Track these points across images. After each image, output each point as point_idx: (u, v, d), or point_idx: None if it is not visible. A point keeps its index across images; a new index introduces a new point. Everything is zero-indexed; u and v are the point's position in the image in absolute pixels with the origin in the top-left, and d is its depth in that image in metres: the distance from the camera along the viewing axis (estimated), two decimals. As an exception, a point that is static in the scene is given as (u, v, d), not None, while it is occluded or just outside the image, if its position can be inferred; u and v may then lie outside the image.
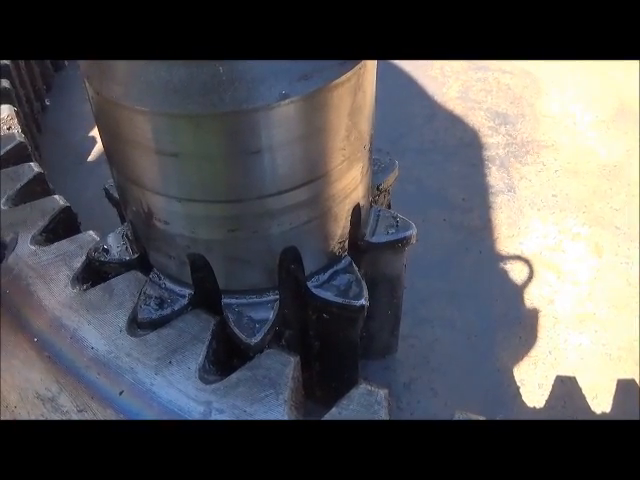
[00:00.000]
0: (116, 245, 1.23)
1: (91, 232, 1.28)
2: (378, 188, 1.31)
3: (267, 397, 0.96)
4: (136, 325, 1.10)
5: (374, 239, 1.23)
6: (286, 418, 0.94)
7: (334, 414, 0.94)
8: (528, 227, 1.97)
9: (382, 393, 0.97)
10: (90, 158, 2.35)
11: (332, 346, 1.28)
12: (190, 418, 0.94)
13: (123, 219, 1.27)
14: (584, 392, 1.54)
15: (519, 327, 1.69)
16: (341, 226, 1.13)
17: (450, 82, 2.67)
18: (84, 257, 1.21)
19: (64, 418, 0.96)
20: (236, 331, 1.07)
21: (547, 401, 1.52)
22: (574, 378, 1.56)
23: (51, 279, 1.16)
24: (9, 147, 1.53)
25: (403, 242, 1.24)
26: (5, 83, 1.92)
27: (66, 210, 1.35)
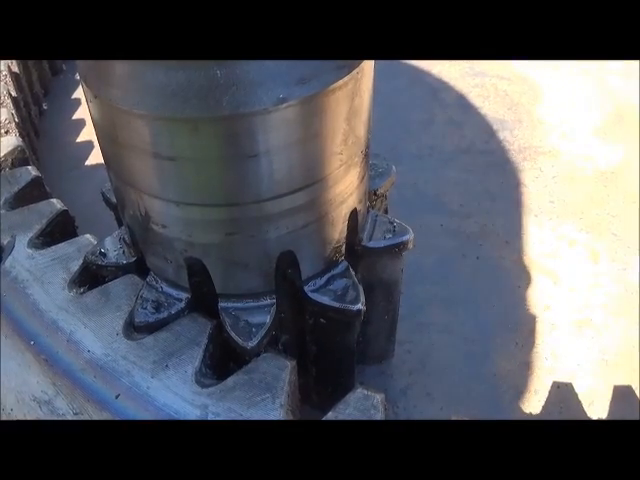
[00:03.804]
0: (113, 249, 1.23)
1: (88, 235, 1.28)
2: (375, 193, 1.32)
3: (263, 401, 0.96)
4: (133, 328, 1.10)
5: (371, 244, 1.23)
6: (282, 422, 0.94)
7: (330, 418, 0.94)
8: (525, 233, 1.97)
9: (378, 398, 0.97)
10: (87, 162, 2.35)
11: (329, 350, 1.28)
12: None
13: (120, 223, 1.27)
14: (581, 398, 1.53)
15: (516, 333, 1.69)
16: (338, 231, 1.13)
17: (448, 88, 2.67)
18: (81, 260, 1.21)
19: (60, 421, 0.96)
20: (233, 335, 1.07)
21: (543, 407, 1.52)
22: (570, 384, 1.56)
23: (48, 282, 1.17)
24: (7, 151, 1.53)
25: (400, 247, 1.24)
26: None
27: (63, 213, 1.36)
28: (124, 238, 1.23)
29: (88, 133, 2.46)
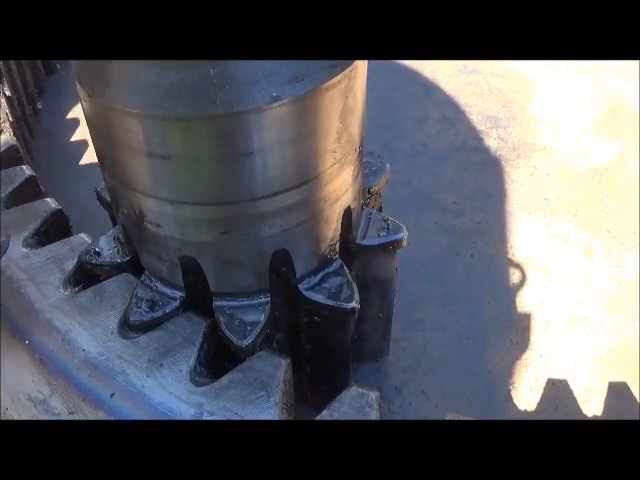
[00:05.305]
0: (107, 248, 1.23)
1: (82, 235, 1.28)
2: (369, 191, 1.32)
3: (258, 399, 0.96)
4: (127, 327, 1.09)
5: (365, 242, 1.24)
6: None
7: (325, 416, 0.94)
8: (519, 230, 1.98)
9: (373, 395, 0.97)
10: (82, 161, 2.35)
11: (323, 349, 1.28)
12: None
13: (115, 222, 1.27)
14: (575, 395, 1.54)
15: (510, 330, 1.69)
16: (332, 229, 1.13)
17: (441, 85, 2.68)
18: (75, 260, 1.20)
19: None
20: (227, 333, 1.07)
21: (538, 404, 1.53)
22: (565, 381, 1.57)
23: (42, 282, 1.16)
24: (1, 150, 1.53)
25: (394, 245, 1.25)
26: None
27: (58, 213, 1.35)
28: (118, 237, 1.23)
29: (82, 132, 2.46)
